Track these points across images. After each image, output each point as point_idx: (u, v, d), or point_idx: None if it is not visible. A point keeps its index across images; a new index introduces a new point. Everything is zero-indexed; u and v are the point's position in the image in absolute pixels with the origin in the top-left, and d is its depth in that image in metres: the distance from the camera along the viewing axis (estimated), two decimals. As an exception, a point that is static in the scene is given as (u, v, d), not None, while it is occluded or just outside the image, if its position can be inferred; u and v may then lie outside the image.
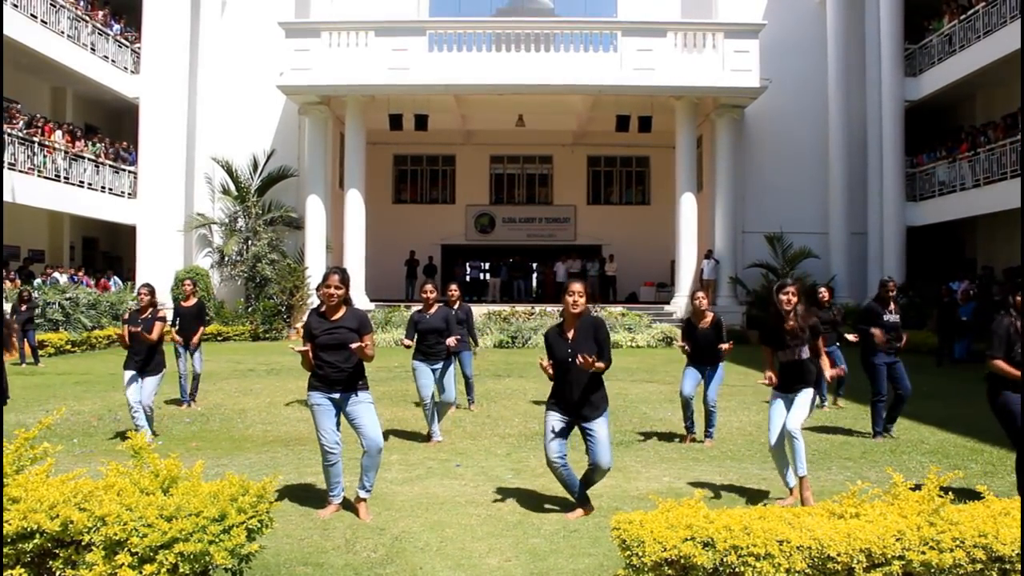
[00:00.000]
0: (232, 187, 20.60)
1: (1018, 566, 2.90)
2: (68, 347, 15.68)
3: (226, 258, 20.52)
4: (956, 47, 18.37)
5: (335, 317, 4.86)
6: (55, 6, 17.87)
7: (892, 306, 7.56)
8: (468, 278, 25.25)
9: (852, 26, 20.52)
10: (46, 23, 17.50)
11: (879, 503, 3.25)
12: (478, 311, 16.12)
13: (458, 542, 4.34)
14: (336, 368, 4.78)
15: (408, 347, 7.37)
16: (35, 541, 3.11)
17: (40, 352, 14.23)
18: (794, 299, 5.18)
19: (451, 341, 7.39)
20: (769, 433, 5.16)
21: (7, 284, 15.85)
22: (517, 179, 27.19)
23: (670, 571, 2.95)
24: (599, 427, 4.76)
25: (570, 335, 4.80)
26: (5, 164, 15.27)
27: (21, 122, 17.16)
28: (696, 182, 20.32)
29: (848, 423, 8.17)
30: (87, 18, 19.30)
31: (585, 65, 19.02)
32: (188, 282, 9.60)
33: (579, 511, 4.82)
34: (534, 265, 26.39)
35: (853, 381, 9.23)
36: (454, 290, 8.92)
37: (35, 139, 17.22)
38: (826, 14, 20.73)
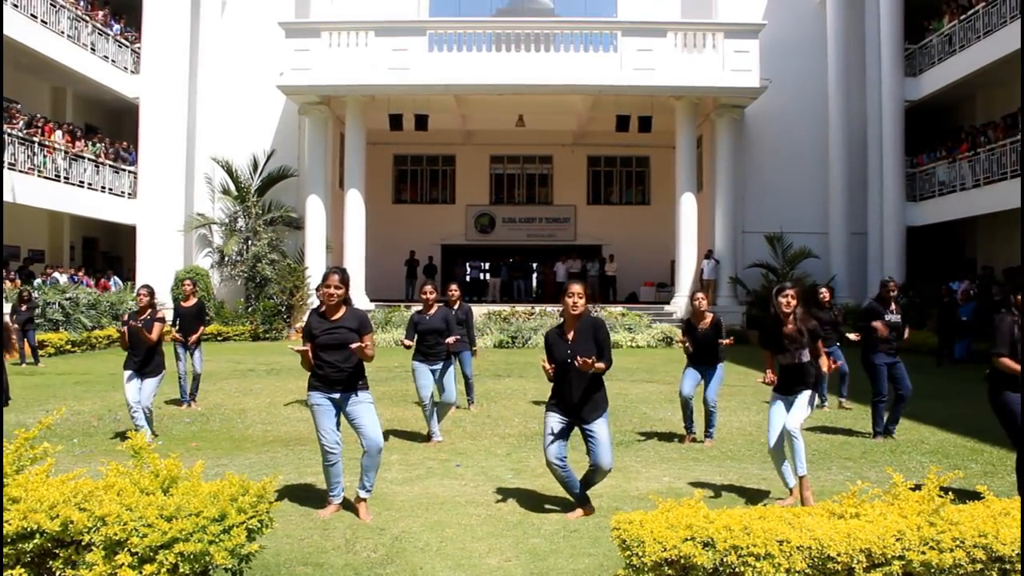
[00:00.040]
0: (232, 187, 20.60)
1: (1018, 566, 2.90)
2: (68, 347, 15.68)
3: (226, 258, 20.53)
4: (956, 47, 18.37)
5: (335, 317, 4.86)
6: (55, 6, 17.87)
7: (893, 306, 7.56)
8: (468, 278, 25.24)
9: (852, 26, 20.53)
10: (46, 23, 17.49)
11: (879, 503, 3.25)
12: (478, 311, 16.13)
13: (458, 542, 4.34)
14: (336, 368, 4.78)
15: (408, 348, 7.38)
16: (35, 541, 3.11)
17: (40, 352, 14.23)
18: (793, 302, 5.18)
19: (450, 340, 7.40)
20: (769, 434, 5.17)
21: (7, 284, 15.85)
22: (517, 179, 27.20)
23: (670, 571, 2.95)
24: (599, 428, 4.76)
25: (570, 336, 4.80)
26: (5, 164, 15.27)
27: (21, 122, 17.16)
28: (696, 182, 20.32)
29: (848, 423, 8.17)
30: (87, 18, 19.30)
31: (585, 65, 19.03)
32: (188, 282, 9.57)
33: (579, 511, 4.82)
34: (534, 265, 26.39)
35: (854, 381, 9.22)
36: (454, 290, 8.91)
37: (35, 139, 17.22)
38: (826, 14, 20.74)
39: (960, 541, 2.93)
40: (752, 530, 2.95)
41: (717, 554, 2.91)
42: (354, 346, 4.70)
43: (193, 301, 9.48)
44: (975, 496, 3.38)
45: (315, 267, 19.40)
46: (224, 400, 9.65)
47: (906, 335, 7.68)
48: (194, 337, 9.23)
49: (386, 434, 6.85)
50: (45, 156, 17.52)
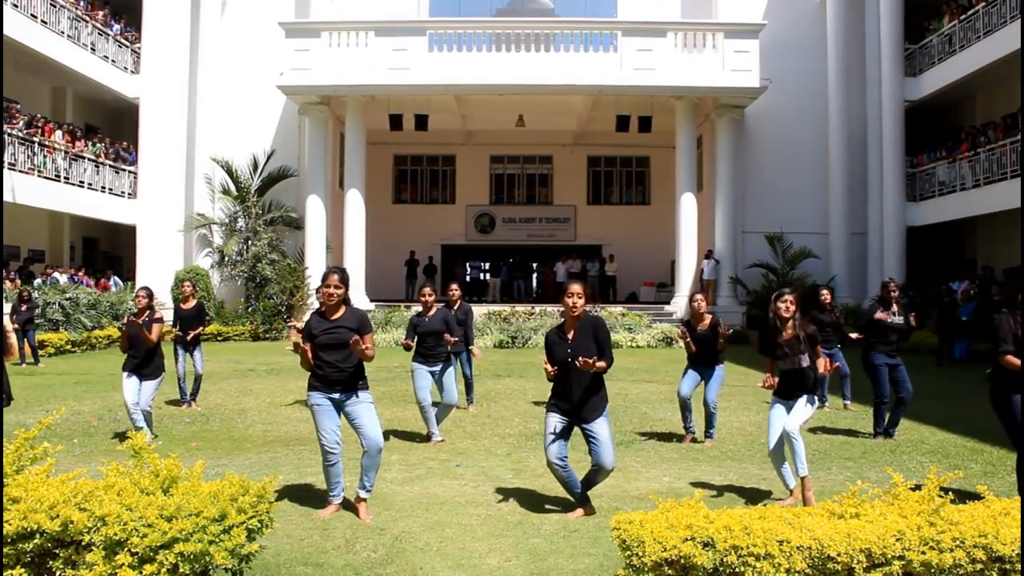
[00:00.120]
0: (232, 187, 20.61)
1: (1018, 566, 2.90)
2: (68, 347, 15.68)
3: (226, 258, 20.53)
4: (956, 47, 18.37)
5: (335, 317, 4.87)
6: (55, 6, 17.87)
7: (895, 307, 7.53)
8: (468, 278, 25.23)
9: (852, 26, 20.52)
10: (46, 23, 17.49)
11: (879, 503, 3.25)
12: (478, 311, 16.13)
13: (458, 542, 4.34)
14: (336, 368, 4.78)
15: (409, 349, 7.37)
16: (35, 541, 3.11)
17: (40, 352, 14.23)
18: (792, 308, 5.18)
19: (449, 338, 7.40)
20: (768, 437, 5.17)
21: (7, 284, 15.86)
22: (517, 179, 27.20)
23: (670, 571, 2.95)
24: (600, 428, 4.76)
25: (570, 336, 4.80)
26: (5, 164, 15.26)
27: (21, 122, 17.16)
28: (696, 182, 20.32)
29: (848, 423, 8.17)
30: (87, 18, 19.30)
31: (585, 65, 19.03)
32: (187, 284, 9.51)
33: (579, 511, 4.82)
34: (534, 265, 26.39)
35: (855, 382, 9.21)
36: (455, 290, 8.91)
37: (35, 139, 17.22)
38: (826, 14, 20.73)
39: (960, 541, 2.93)
40: (752, 530, 2.95)
41: (717, 554, 2.91)
42: (353, 340, 4.69)
43: (192, 303, 9.44)
44: (975, 496, 3.39)
45: (315, 267, 19.40)
46: (224, 400, 9.65)
47: (913, 323, 7.63)
48: (192, 334, 9.21)
49: (386, 434, 6.85)
50: (45, 156, 17.52)
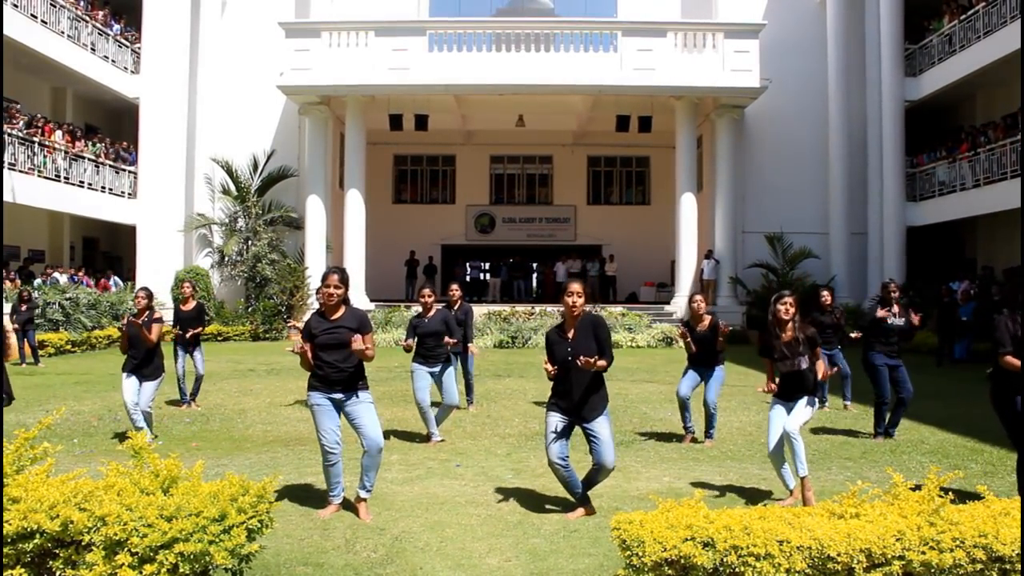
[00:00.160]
0: (232, 187, 20.60)
1: (1018, 566, 2.90)
2: (68, 347, 15.68)
3: (226, 258, 20.52)
4: (956, 47, 18.37)
5: (335, 317, 4.87)
6: (55, 6, 17.87)
7: (896, 308, 7.51)
8: (468, 278, 25.22)
9: (852, 26, 20.52)
10: (46, 23, 17.50)
11: (879, 503, 3.25)
12: (478, 311, 16.13)
13: (458, 542, 4.34)
14: (336, 368, 4.78)
15: (409, 350, 7.36)
16: (35, 541, 3.11)
17: (40, 352, 14.22)
18: (791, 310, 5.18)
19: (449, 340, 7.40)
20: (768, 438, 5.17)
21: (7, 284, 15.85)
22: (517, 179, 27.20)
23: (670, 571, 2.95)
24: (601, 427, 4.76)
25: (570, 335, 4.80)
26: (5, 164, 15.26)
27: (21, 122, 17.16)
28: (696, 182, 20.32)
29: (849, 424, 8.16)
30: (87, 18, 19.30)
31: (585, 65, 19.02)
32: (187, 285, 9.48)
33: (580, 511, 4.82)
34: (534, 265, 26.38)
35: (855, 383, 9.20)
36: (455, 290, 8.92)
37: (35, 139, 17.22)
38: (826, 14, 20.73)
39: (960, 541, 2.93)
40: (752, 530, 2.95)
41: (717, 554, 2.91)
42: (355, 344, 4.69)
43: (192, 305, 9.41)
44: (975, 496, 3.38)
45: (315, 267, 19.40)
46: (224, 400, 9.65)
47: (916, 322, 7.60)
48: (191, 333, 9.20)
49: (386, 434, 6.85)
50: (45, 156, 17.52)
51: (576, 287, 4.81)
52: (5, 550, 3.11)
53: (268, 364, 13.73)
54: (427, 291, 7.53)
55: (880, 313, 7.40)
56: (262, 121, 21.12)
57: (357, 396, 4.83)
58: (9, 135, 16.06)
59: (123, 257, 23.31)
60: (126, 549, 3.02)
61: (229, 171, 20.50)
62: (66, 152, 18.35)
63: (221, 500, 3.25)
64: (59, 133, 18.61)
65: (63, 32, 18.16)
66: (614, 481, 5.46)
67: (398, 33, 19.14)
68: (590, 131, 23.94)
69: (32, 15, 16.98)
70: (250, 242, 20.31)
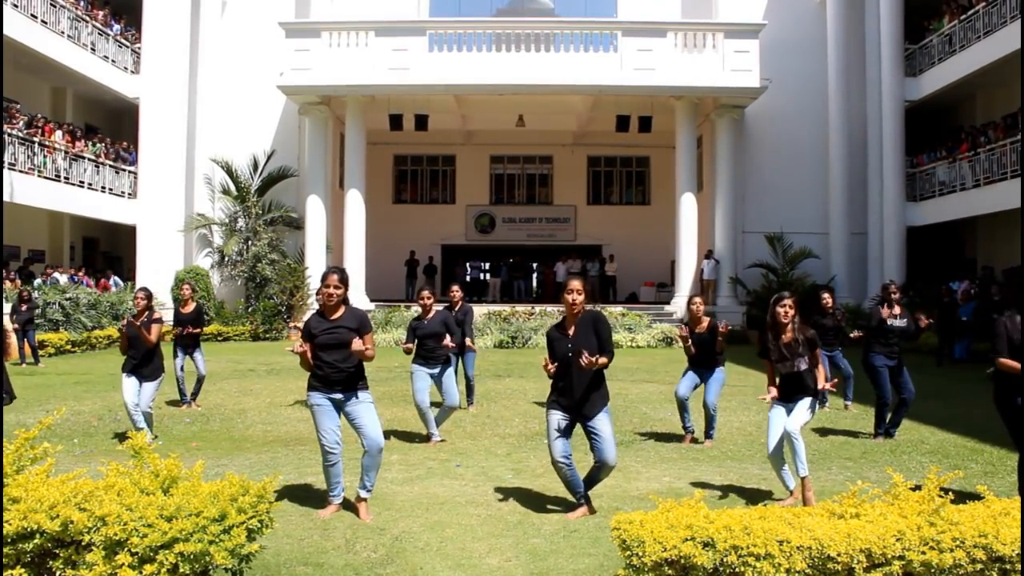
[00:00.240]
0: (232, 187, 20.61)
1: (1018, 566, 2.90)
2: (68, 347, 15.68)
3: (226, 258, 20.53)
4: (956, 47, 18.37)
5: (334, 317, 4.87)
6: (55, 6, 17.86)
7: (897, 309, 7.49)
8: (468, 278, 25.24)
9: (852, 26, 20.52)
10: (46, 23, 17.49)
11: (879, 503, 3.25)
12: (478, 311, 16.12)
13: (458, 542, 4.34)
14: (335, 368, 4.78)
15: (409, 352, 7.36)
16: (35, 541, 3.11)
17: (40, 352, 14.22)
18: (791, 311, 5.17)
19: (447, 342, 7.40)
20: (768, 439, 5.17)
21: (7, 284, 15.85)
22: (517, 179, 27.20)
23: (670, 571, 2.95)
24: (602, 424, 4.76)
25: (570, 332, 4.81)
26: (5, 164, 15.27)
27: (21, 122, 17.16)
28: (696, 182, 20.32)
29: (849, 424, 8.16)
30: (87, 18, 19.30)
31: (585, 65, 19.03)
32: (186, 286, 9.47)
33: (580, 511, 4.81)
34: (534, 265, 26.39)
35: (857, 383, 9.20)
36: (456, 291, 8.91)
37: (35, 139, 17.22)
38: (826, 14, 20.73)
39: (960, 541, 2.93)
40: (752, 530, 2.95)
41: (717, 554, 2.91)
42: (355, 347, 4.69)
43: (191, 307, 9.38)
44: (975, 496, 3.38)
45: (315, 267, 19.40)
46: (224, 400, 9.65)
47: (922, 324, 7.58)
48: (189, 331, 9.17)
49: (386, 434, 6.84)
50: (45, 156, 17.52)
51: (576, 284, 4.82)
52: (5, 550, 3.11)
53: (268, 364, 13.73)
54: (426, 293, 7.53)
55: (884, 313, 7.39)
56: (262, 121, 21.12)
57: (357, 396, 4.83)
58: (9, 135, 16.06)
59: (123, 257, 23.31)
60: (126, 549, 3.02)
61: (229, 171, 20.50)
62: (66, 152, 18.35)
63: (221, 500, 3.25)
64: (59, 133, 18.61)
65: (63, 32, 18.15)
66: (614, 481, 5.46)
67: (398, 33, 19.14)
68: (590, 131, 23.94)
69: (32, 15, 16.97)
70: (250, 242, 20.31)
